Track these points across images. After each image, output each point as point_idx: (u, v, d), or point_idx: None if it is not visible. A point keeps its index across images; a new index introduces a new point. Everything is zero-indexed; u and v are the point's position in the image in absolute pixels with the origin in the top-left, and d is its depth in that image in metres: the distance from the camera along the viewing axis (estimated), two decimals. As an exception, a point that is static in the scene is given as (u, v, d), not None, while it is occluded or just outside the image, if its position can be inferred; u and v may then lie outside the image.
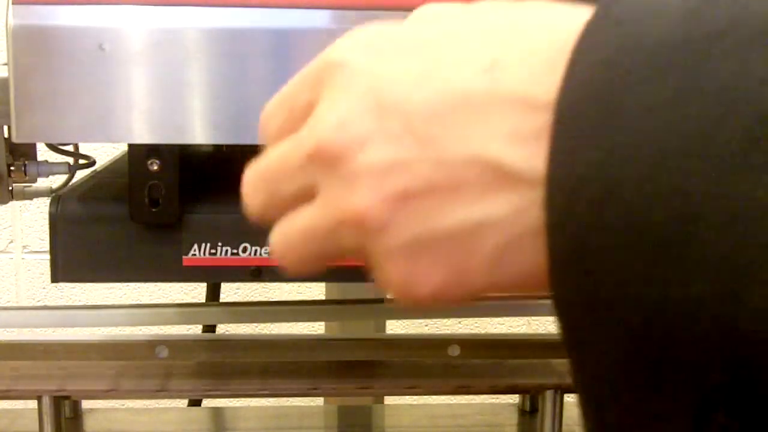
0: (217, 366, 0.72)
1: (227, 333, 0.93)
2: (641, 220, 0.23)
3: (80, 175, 0.72)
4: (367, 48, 0.30)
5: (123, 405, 1.22)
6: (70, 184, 0.71)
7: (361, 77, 0.29)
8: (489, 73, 0.27)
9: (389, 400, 0.91)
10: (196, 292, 1.46)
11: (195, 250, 0.64)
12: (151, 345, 0.69)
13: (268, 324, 1.23)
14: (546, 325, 1.47)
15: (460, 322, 1.52)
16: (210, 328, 0.87)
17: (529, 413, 0.80)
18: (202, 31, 0.58)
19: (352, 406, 0.88)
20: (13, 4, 0.58)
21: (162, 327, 0.73)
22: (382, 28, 0.31)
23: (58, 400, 0.69)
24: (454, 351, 0.71)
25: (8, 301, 1.62)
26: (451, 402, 0.86)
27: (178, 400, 0.91)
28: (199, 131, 0.57)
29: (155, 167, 0.60)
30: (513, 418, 0.81)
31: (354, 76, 0.29)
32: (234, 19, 0.58)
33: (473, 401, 0.86)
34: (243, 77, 0.56)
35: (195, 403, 0.88)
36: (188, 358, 0.71)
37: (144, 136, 0.57)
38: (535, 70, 0.27)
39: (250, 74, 0.56)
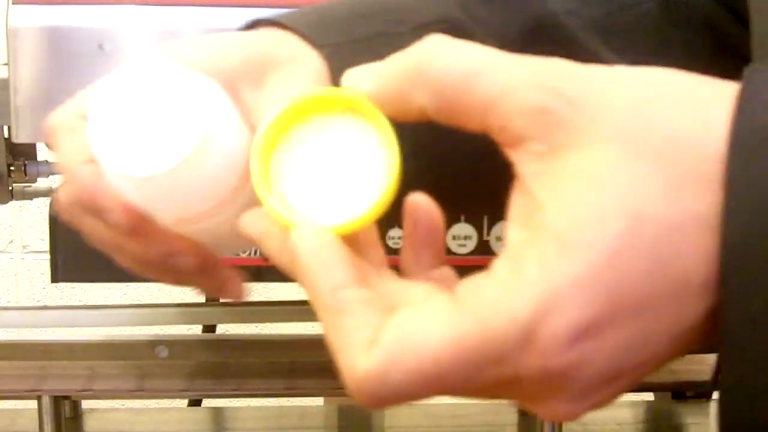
0: (217, 366, 0.72)
1: (227, 333, 0.93)
2: None
3: (80, 175, 0.72)
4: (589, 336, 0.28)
5: (123, 405, 1.22)
6: (70, 184, 0.71)
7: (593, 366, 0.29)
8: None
9: (389, 400, 0.91)
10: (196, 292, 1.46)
11: (195, 250, 0.64)
12: (151, 345, 0.69)
13: (268, 324, 1.23)
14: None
15: (460, 322, 1.52)
16: (210, 328, 0.87)
17: (528, 413, 0.80)
18: (202, 31, 0.58)
19: (352, 406, 0.88)
20: (13, 4, 0.58)
21: (162, 327, 0.73)
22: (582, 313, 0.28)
23: (58, 400, 0.69)
24: (454, 351, 0.70)
25: (8, 301, 1.62)
26: (451, 402, 0.86)
27: (178, 400, 0.91)
28: (199, 131, 0.57)
29: (155, 167, 0.60)
30: (513, 418, 0.81)
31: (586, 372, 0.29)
32: (234, 19, 0.58)
33: (473, 401, 0.86)
34: (243, 77, 0.56)
35: (195, 403, 0.88)
36: (188, 358, 0.71)
37: (144, 136, 0.57)
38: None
39: (250, 74, 0.56)
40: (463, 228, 0.66)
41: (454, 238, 0.66)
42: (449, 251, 0.66)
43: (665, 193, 0.28)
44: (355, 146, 0.34)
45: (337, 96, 0.34)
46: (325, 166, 0.34)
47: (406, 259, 0.35)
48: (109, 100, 0.36)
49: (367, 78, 0.33)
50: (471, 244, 0.66)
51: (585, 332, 0.28)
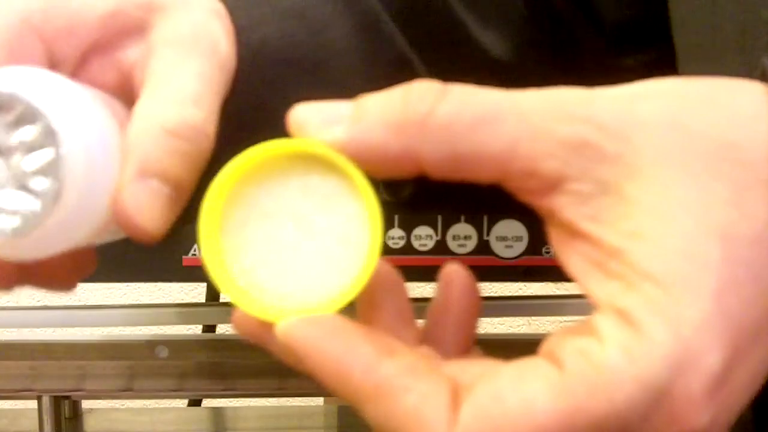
0: (217, 366, 0.71)
1: (227, 333, 0.93)
2: None
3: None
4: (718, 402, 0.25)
5: (123, 405, 1.21)
6: (70, 184, 0.71)
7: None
8: None
9: (389, 400, 0.91)
10: (196, 292, 1.46)
11: (195, 250, 0.65)
12: (151, 345, 0.69)
13: (268, 324, 1.23)
14: (546, 325, 1.47)
15: (460, 322, 1.52)
16: (210, 328, 0.87)
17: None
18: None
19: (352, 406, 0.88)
20: (13, 4, 0.58)
21: (162, 327, 0.73)
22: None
23: (58, 400, 0.69)
24: (454, 351, 0.70)
25: (8, 301, 1.62)
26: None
27: (178, 400, 0.91)
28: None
29: (155, 167, 0.60)
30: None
31: None
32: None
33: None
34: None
35: (195, 403, 0.88)
36: (188, 358, 0.71)
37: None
38: None
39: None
40: (463, 228, 0.66)
41: (454, 238, 0.66)
42: (449, 251, 0.66)
43: (734, 204, 0.25)
44: (325, 205, 0.29)
45: (296, 147, 0.28)
46: (291, 233, 0.29)
47: (436, 337, 0.30)
48: None
49: (334, 125, 0.28)
50: (471, 244, 0.66)
51: (720, 381, 0.25)
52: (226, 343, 0.71)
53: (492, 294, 0.71)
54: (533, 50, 0.49)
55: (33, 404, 0.69)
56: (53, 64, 0.34)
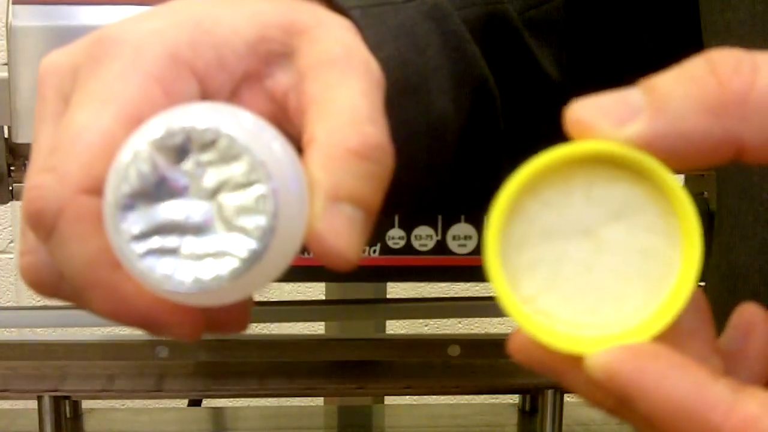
0: (217, 366, 0.72)
1: (227, 333, 0.94)
2: None
3: (80, 175, 0.72)
4: None
5: (123, 405, 1.22)
6: (70, 184, 0.71)
7: None
8: None
9: (389, 400, 0.91)
10: (196, 292, 1.46)
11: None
12: (150, 345, 0.69)
13: (268, 324, 1.23)
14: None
15: (460, 322, 1.52)
16: (210, 328, 0.87)
17: (529, 413, 0.80)
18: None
19: (352, 406, 0.88)
20: (13, 4, 0.58)
21: (162, 327, 0.73)
22: None
23: (58, 400, 0.69)
24: (454, 351, 0.71)
25: (8, 301, 1.62)
26: (451, 402, 0.86)
27: (178, 400, 0.91)
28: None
29: (155, 167, 0.60)
30: (513, 418, 0.81)
31: None
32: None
33: (473, 401, 0.86)
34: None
35: (195, 403, 0.88)
36: (188, 358, 0.71)
37: (144, 136, 0.57)
38: None
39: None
40: (463, 228, 0.66)
41: (454, 238, 0.66)
42: (449, 251, 0.66)
43: None
44: (618, 214, 0.25)
45: (586, 150, 0.24)
46: (578, 250, 0.25)
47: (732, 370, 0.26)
48: (135, 186, 0.26)
49: (630, 119, 0.24)
50: (471, 245, 0.66)
51: None
52: (226, 343, 0.71)
53: (492, 294, 0.71)
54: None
55: (33, 404, 0.69)
56: (206, 98, 0.32)
